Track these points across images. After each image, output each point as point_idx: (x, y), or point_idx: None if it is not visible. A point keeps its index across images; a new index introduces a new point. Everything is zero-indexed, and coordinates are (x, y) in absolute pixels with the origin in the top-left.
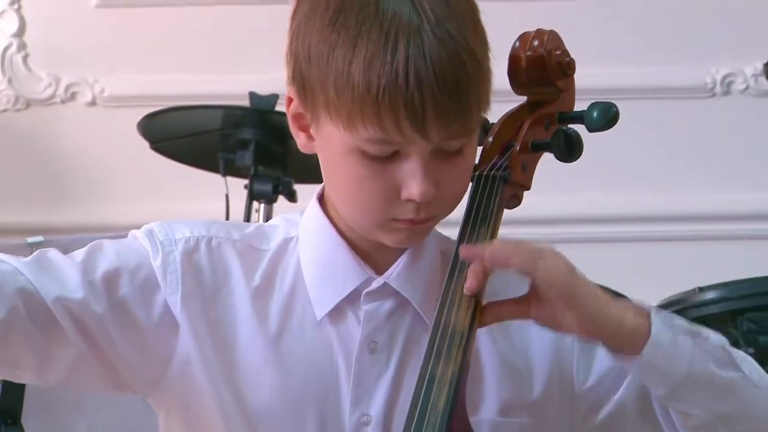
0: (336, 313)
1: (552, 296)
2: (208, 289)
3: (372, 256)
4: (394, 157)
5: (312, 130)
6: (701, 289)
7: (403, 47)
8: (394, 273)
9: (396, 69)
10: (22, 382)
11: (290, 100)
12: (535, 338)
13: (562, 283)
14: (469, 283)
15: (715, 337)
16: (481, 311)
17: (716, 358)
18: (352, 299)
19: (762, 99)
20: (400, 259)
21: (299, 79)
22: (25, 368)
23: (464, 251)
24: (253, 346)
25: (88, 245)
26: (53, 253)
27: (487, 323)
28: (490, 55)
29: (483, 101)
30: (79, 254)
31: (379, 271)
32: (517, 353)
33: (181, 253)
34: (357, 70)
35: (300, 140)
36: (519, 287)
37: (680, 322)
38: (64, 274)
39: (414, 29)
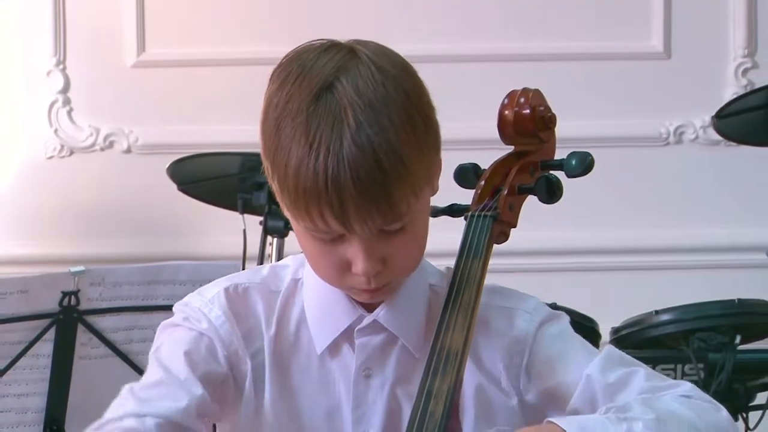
0: (334, 347)
1: None
2: (245, 329)
3: None
4: (340, 238)
5: None
6: (657, 312)
7: (324, 154)
8: (382, 312)
9: (317, 174)
10: None
11: None
12: (497, 353)
13: None
14: None
15: (642, 429)
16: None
17: None
18: (347, 334)
19: (710, 147)
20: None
21: (264, 164)
22: None
23: None
24: (273, 378)
25: (152, 360)
26: (138, 387)
27: None
28: (427, 140)
29: (412, 189)
30: (155, 372)
31: (370, 310)
32: (488, 367)
33: (219, 308)
34: (290, 173)
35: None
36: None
37: None
38: (164, 393)
39: (335, 137)
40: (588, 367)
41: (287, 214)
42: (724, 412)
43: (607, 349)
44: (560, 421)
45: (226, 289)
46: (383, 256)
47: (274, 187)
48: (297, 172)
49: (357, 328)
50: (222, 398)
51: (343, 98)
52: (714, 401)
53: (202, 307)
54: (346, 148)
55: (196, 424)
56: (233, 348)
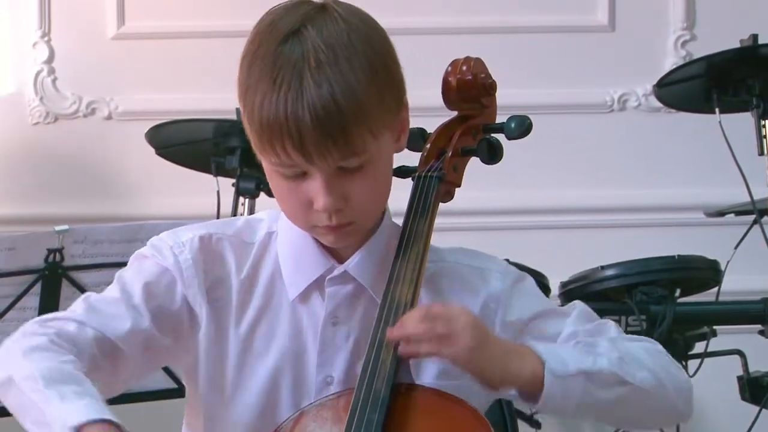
0: (305, 295)
1: (460, 368)
2: (212, 277)
3: (334, 248)
4: (303, 176)
5: None
6: (603, 268)
7: (285, 90)
8: (352, 263)
9: (278, 108)
10: None
11: None
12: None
13: (464, 362)
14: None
15: (607, 364)
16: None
17: (607, 385)
18: (318, 283)
19: (651, 114)
20: (358, 251)
21: (240, 108)
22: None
23: (389, 334)
24: (241, 323)
25: (116, 280)
26: (94, 298)
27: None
28: (390, 90)
29: (369, 129)
30: (114, 291)
31: (341, 261)
32: None
33: (189, 251)
34: (256, 109)
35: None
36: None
37: (575, 362)
38: (113, 311)
39: (296, 74)
40: (566, 328)
41: (257, 154)
42: (683, 374)
43: (578, 307)
44: (535, 345)
45: (201, 237)
46: (344, 194)
47: (246, 127)
48: (261, 107)
49: (328, 277)
50: (173, 332)
51: (307, 42)
52: (675, 362)
53: (174, 247)
54: (305, 85)
55: (134, 350)
56: (192, 291)
